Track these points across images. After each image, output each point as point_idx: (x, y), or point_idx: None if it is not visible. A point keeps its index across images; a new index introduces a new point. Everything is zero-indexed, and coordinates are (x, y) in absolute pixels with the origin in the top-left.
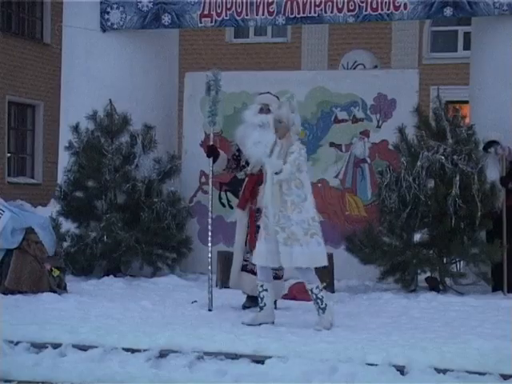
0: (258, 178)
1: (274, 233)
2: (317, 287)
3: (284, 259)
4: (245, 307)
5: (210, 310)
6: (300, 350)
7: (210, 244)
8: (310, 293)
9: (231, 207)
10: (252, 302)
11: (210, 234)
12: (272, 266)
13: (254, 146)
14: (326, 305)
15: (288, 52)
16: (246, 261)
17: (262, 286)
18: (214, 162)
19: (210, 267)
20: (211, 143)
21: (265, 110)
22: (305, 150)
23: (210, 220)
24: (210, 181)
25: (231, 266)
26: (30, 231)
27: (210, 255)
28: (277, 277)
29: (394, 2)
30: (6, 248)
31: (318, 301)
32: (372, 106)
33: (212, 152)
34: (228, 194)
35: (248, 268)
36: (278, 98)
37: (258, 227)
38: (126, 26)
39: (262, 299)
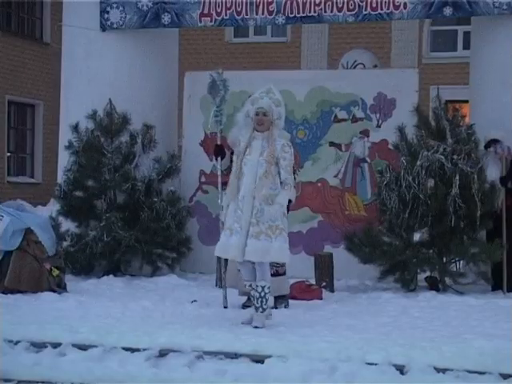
0: None
1: (248, 225)
2: (268, 287)
3: (252, 253)
4: (245, 306)
5: (225, 307)
6: (300, 349)
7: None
8: (258, 289)
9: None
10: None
11: (221, 231)
12: (237, 260)
13: None
14: (268, 306)
15: (288, 51)
16: None
17: (250, 285)
18: (221, 161)
19: (223, 265)
20: (219, 142)
21: None
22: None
23: (221, 217)
24: (219, 179)
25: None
26: (29, 231)
27: None
28: (277, 274)
29: (394, 2)
30: (5, 250)
31: (264, 300)
32: (372, 106)
33: (219, 151)
34: None
35: None
36: None
37: None
38: (126, 26)
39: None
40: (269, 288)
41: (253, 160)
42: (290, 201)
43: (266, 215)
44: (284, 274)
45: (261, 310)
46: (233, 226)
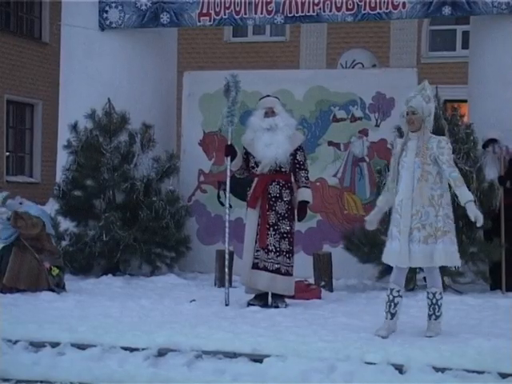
0: (269, 178)
1: (410, 231)
2: (440, 293)
3: (424, 259)
4: (250, 304)
5: (226, 305)
6: (299, 348)
7: (227, 240)
8: (429, 296)
9: (230, 206)
10: (260, 300)
11: (227, 231)
12: (402, 266)
13: (266, 147)
14: (441, 313)
15: (286, 51)
16: (256, 258)
17: (398, 291)
18: (231, 161)
19: (226, 263)
20: (229, 143)
21: (269, 113)
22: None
23: (227, 216)
24: (228, 179)
25: (231, 264)
26: (21, 214)
27: (226, 251)
28: (288, 273)
29: (393, 1)
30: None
31: (436, 307)
32: (371, 105)
33: (230, 151)
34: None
35: (260, 266)
36: (278, 98)
37: (269, 225)
38: (125, 25)
39: (395, 305)
40: (440, 294)
41: (409, 162)
42: (307, 202)
43: (431, 217)
44: (292, 274)
45: (434, 317)
46: (392, 231)
